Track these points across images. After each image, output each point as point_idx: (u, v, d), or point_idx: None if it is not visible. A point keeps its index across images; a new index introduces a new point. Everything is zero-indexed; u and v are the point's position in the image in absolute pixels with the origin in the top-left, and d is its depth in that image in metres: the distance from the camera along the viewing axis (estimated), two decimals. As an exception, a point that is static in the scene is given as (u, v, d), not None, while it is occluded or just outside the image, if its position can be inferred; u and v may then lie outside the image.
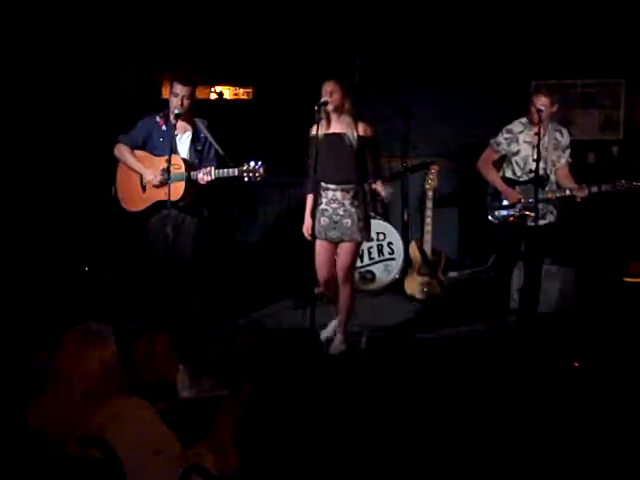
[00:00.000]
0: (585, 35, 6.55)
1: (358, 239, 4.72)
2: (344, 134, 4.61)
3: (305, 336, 4.74)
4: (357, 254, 4.90)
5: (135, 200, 4.87)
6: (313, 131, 4.55)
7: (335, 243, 4.72)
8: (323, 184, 4.64)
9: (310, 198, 4.67)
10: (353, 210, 4.65)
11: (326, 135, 4.60)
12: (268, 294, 6.17)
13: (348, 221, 4.64)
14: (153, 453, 2.23)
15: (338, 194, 4.63)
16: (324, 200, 4.67)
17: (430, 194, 6.22)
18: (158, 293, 4.77)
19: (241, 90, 7.36)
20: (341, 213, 4.65)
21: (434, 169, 6.23)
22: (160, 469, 2.24)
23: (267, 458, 3.18)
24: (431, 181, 6.20)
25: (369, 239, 5.02)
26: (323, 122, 4.61)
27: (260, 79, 7.15)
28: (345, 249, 4.72)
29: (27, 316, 4.82)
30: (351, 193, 4.65)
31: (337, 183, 4.61)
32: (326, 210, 4.67)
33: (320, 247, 4.68)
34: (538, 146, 4.63)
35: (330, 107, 4.56)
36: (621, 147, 6.78)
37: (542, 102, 4.72)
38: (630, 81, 6.73)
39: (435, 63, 6.88)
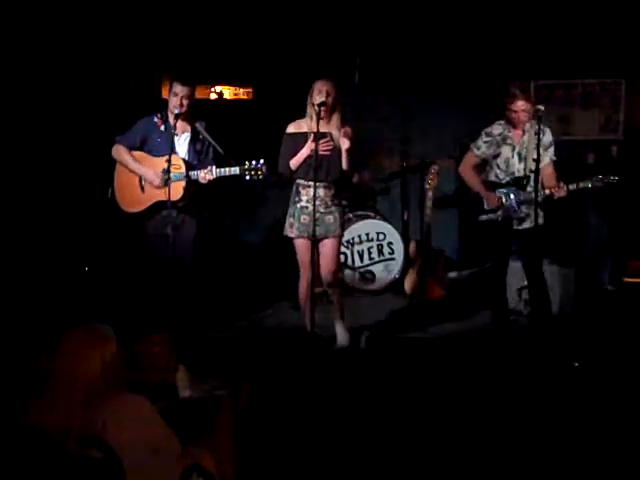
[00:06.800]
0: (585, 35, 6.55)
1: (340, 234, 4.79)
2: (330, 134, 4.61)
3: (305, 336, 4.75)
4: (339, 251, 4.96)
5: (134, 201, 4.84)
6: (290, 129, 4.67)
7: (315, 241, 4.66)
8: (303, 182, 4.67)
9: None
10: (334, 208, 4.70)
11: (312, 134, 4.57)
12: (268, 295, 6.17)
13: (330, 217, 4.69)
14: (153, 452, 2.23)
15: (321, 191, 4.60)
16: (304, 198, 4.68)
17: (430, 194, 6.21)
18: (158, 293, 4.76)
19: (241, 90, 7.36)
20: (322, 210, 4.64)
21: (434, 169, 6.22)
22: (160, 468, 2.25)
23: (267, 458, 3.18)
24: (431, 181, 6.19)
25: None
26: (308, 121, 4.64)
27: (260, 79, 7.15)
28: (329, 247, 4.74)
29: (27, 316, 4.81)
30: (332, 190, 4.69)
31: (320, 180, 4.57)
32: (306, 207, 4.67)
33: (302, 246, 4.72)
34: (538, 146, 4.59)
35: (324, 107, 4.52)
36: (621, 147, 6.78)
37: (520, 106, 4.63)
38: (630, 81, 6.73)
39: (435, 63, 6.87)
